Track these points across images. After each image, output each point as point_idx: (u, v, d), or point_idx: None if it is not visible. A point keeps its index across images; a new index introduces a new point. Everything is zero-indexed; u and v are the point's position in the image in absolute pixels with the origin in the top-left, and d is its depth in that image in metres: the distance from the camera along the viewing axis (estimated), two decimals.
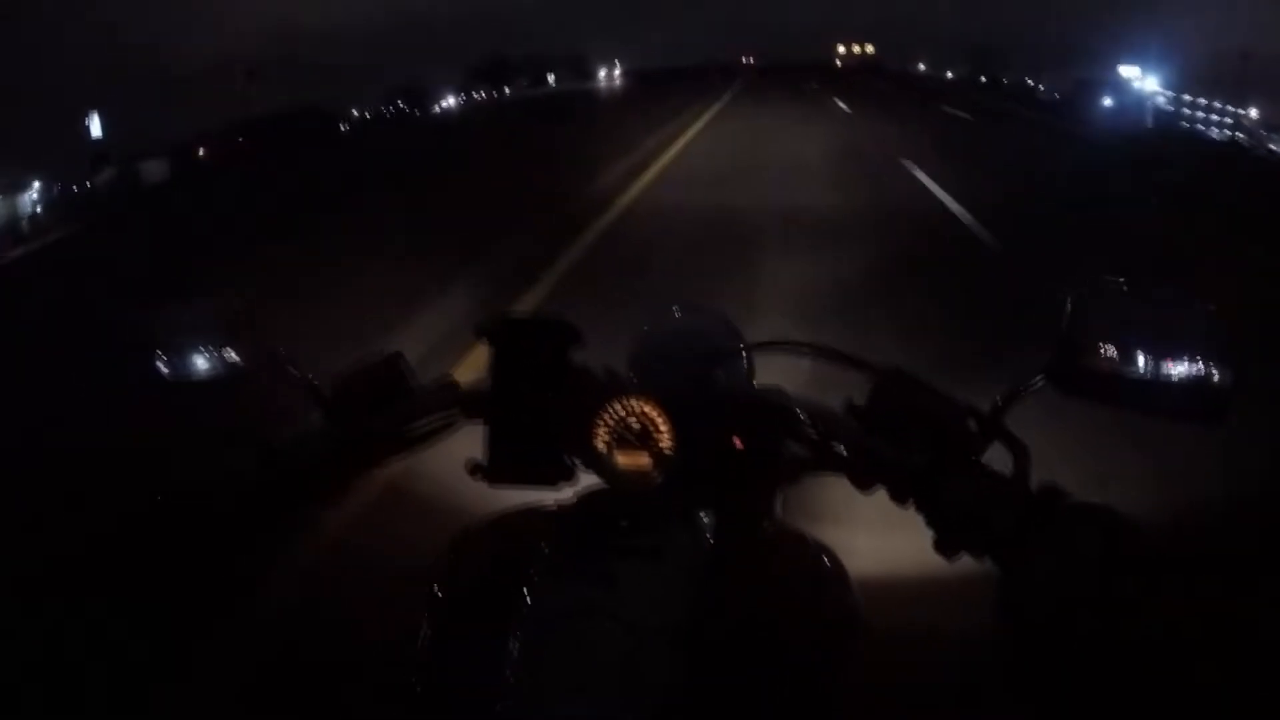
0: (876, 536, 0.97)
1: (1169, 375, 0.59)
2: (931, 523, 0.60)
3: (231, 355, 0.72)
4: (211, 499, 0.67)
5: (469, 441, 0.70)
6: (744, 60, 71.88)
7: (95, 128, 21.62)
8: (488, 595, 0.65)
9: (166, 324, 0.74)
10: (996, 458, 0.60)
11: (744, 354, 0.74)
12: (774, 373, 0.78)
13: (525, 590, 0.61)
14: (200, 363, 0.72)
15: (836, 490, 0.68)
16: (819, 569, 0.71)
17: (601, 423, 0.65)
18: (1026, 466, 0.58)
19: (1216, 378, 0.58)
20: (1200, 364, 0.58)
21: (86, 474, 2.17)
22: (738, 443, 0.67)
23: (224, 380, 0.73)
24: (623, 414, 0.65)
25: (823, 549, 0.72)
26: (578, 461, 0.68)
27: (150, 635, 1.45)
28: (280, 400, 0.73)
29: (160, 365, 0.73)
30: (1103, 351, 0.60)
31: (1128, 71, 24.20)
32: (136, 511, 0.78)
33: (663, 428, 0.65)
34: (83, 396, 2.69)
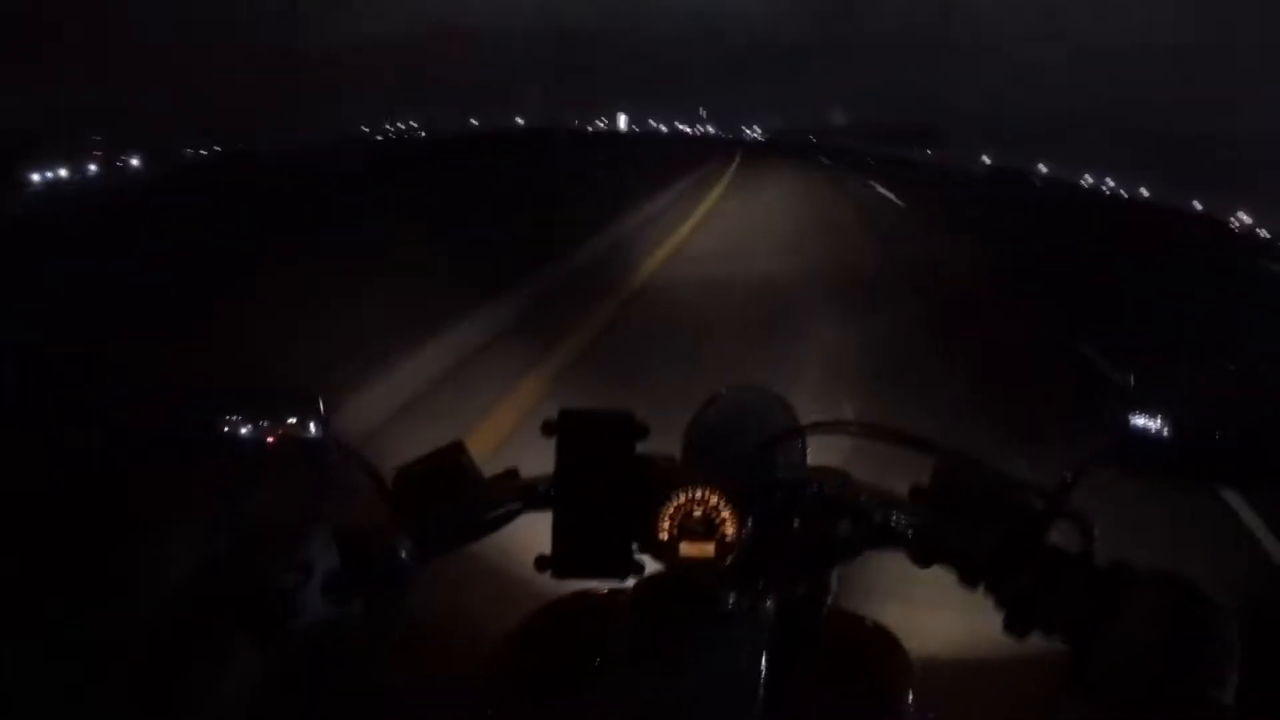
0: (938, 614, 0.95)
1: (1248, 442, 0.57)
2: (1001, 603, 0.59)
3: (297, 436, 0.72)
4: (276, 580, 0.67)
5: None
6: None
7: None
8: (551, 682, 0.65)
9: (238, 398, 0.74)
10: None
11: (800, 436, 0.74)
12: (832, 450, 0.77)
13: (591, 677, 0.61)
14: (268, 441, 0.71)
15: (896, 569, 0.67)
16: (881, 654, 0.70)
17: (666, 514, 0.65)
18: (1093, 542, 0.58)
19: None
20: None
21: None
22: (799, 525, 0.67)
23: (289, 461, 0.72)
24: (687, 504, 0.65)
25: (883, 632, 0.72)
26: (639, 551, 0.68)
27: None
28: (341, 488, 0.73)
29: (227, 434, 0.71)
30: (1172, 424, 0.59)
31: None
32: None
33: (726, 516, 0.65)
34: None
